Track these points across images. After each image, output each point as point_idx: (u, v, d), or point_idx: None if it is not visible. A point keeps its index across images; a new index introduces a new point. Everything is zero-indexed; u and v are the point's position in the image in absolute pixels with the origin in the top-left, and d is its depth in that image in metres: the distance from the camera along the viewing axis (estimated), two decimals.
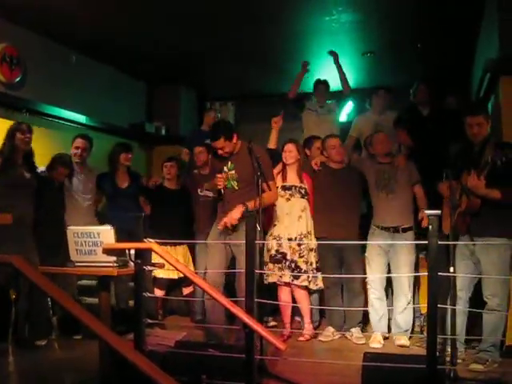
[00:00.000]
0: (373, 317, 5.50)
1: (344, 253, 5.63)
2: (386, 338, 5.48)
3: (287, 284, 5.64)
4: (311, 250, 5.65)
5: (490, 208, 4.43)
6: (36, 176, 5.46)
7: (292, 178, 5.78)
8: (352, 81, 8.69)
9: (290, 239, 5.60)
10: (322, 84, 7.37)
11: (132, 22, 6.64)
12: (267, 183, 4.95)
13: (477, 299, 4.68)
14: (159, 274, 5.98)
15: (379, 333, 5.40)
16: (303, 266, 5.56)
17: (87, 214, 6.10)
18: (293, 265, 5.55)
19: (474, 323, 4.77)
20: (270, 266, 5.60)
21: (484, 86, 5.80)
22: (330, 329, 5.68)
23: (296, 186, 5.73)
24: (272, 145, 6.32)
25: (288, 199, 5.72)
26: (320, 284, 5.65)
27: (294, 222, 5.66)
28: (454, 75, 7.92)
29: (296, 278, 5.55)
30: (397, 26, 6.66)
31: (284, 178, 5.78)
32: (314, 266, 5.63)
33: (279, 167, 5.86)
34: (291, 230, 5.63)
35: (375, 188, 5.58)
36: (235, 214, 4.85)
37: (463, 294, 4.58)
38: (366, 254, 5.55)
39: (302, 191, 5.75)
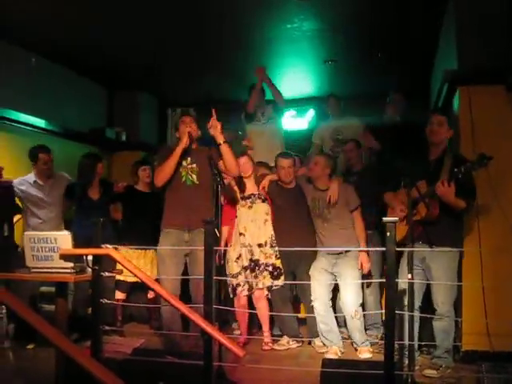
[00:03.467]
0: (321, 333, 5.46)
1: (297, 266, 5.66)
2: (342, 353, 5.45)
3: (259, 292, 5.62)
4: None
5: (445, 217, 4.53)
6: None
7: (250, 189, 5.79)
8: (313, 89, 8.80)
9: (260, 245, 5.60)
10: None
11: (93, 27, 6.56)
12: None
13: (422, 307, 4.76)
14: (122, 277, 5.85)
15: (335, 346, 5.35)
16: (281, 266, 5.60)
17: (51, 225, 6.01)
18: (270, 268, 5.55)
19: (422, 330, 4.82)
20: (249, 276, 5.57)
21: (442, 96, 5.89)
22: (285, 338, 5.65)
23: (255, 194, 5.76)
24: None
25: (250, 207, 5.72)
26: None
27: (260, 226, 5.66)
28: (413, 85, 8.02)
29: (276, 279, 5.56)
30: (358, 35, 6.73)
31: (242, 191, 5.78)
32: None
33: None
34: (260, 236, 5.64)
35: (312, 214, 5.59)
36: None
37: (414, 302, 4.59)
38: (310, 273, 5.52)
39: (262, 197, 5.76)
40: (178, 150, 4.90)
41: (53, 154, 6.12)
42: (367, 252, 5.41)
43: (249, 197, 5.75)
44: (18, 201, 6.09)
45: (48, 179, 6.11)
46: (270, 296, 5.68)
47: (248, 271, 5.60)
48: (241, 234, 5.69)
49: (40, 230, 5.75)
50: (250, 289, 5.63)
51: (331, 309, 5.49)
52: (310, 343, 5.65)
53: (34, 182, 6.04)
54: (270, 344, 5.61)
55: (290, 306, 5.80)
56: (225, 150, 4.90)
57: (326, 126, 7.32)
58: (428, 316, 4.64)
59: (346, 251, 5.35)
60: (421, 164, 4.79)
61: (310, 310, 5.56)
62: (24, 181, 6.05)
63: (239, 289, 5.63)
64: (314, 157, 5.80)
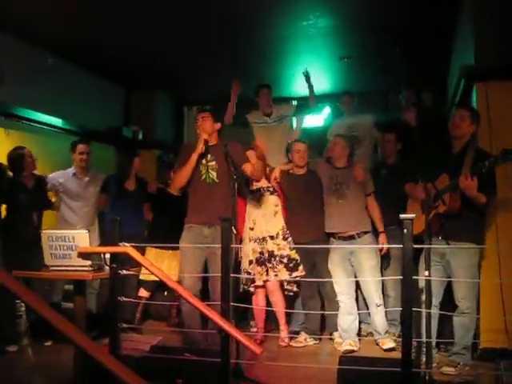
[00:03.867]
0: (342, 324, 5.46)
1: (315, 257, 5.65)
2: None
3: (273, 284, 5.61)
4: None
5: (467, 212, 4.49)
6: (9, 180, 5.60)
7: (258, 182, 5.78)
8: (329, 86, 8.78)
9: (271, 237, 5.61)
10: (265, 88, 6.93)
11: (109, 27, 6.60)
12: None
13: (442, 303, 4.72)
14: (145, 276, 5.95)
15: (350, 339, 5.36)
16: (297, 257, 5.60)
17: (85, 220, 6.16)
18: (285, 259, 5.56)
19: (441, 327, 4.79)
20: (258, 269, 5.58)
21: (459, 92, 5.86)
22: (303, 335, 5.66)
23: (263, 187, 5.77)
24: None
25: (259, 199, 5.74)
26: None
27: (270, 219, 5.69)
28: (430, 80, 7.98)
29: (293, 271, 5.56)
30: (374, 32, 6.68)
31: (251, 185, 5.80)
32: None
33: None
34: (270, 228, 5.65)
35: (327, 192, 5.60)
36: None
37: (433, 299, 4.47)
38: (329, 266, 5.53)
39: (271, 189, 5.78)
40: (194, 157, 4.94)
41: (90, 148, 6.32)
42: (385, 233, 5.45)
43: (258, 190, 5.77)
44: (52, 195, 6.24)
45: (86, 173, 6.28)
46: (295, 289, 5.71)
47: (254, 264, 5.61)
48: (251, 228, 5.72)
49: (73, 223, 6.02)
50: (254, 281, 5.63)
51: (355, 301, 5.50)
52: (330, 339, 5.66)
53: (73, 174, 6.22)
54: (287, 340, 5.60)
55: (318, 299, 5.78)
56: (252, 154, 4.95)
57: (341, 123, 7.31)
58: (448, 313, 4.61)
59: (359, 236, 5.38)
60: (442, 158, 4.77)
61: (331, 303, 5.56)
62: (63, 174, 6.24)
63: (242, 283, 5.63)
64: (333, 139, 5.86)
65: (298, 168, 5.85)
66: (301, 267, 5.58)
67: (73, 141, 6.38)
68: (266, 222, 5.67)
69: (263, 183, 5.79)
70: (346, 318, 5.42)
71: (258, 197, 5.75)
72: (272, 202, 5.75)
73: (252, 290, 5.66)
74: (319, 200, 5.67)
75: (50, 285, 5.88)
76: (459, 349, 4.62)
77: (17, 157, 5.73)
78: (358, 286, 5.61)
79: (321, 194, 5.68)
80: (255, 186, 5.78)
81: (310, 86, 7.13)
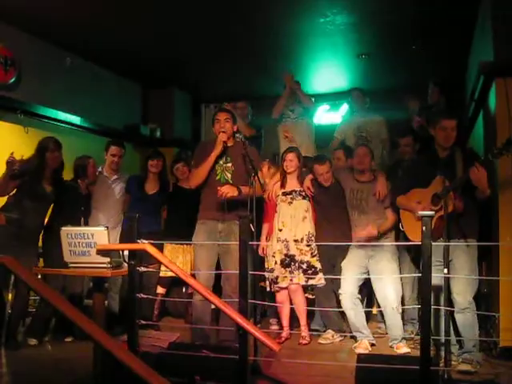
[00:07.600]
0: (352, 325, 5.41)
1: (335, 260, 5.62)
2: (372, 345, 5.37)
3: (296, 286, 5.62)
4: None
5: (468, 210, 4.50)
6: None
7: (292, 184, 5.79)
8: (347, 83, 8.76)
9: (296, 241, 5.61)
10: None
11: (127, 25, 6.63)
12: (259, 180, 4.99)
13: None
14: (162, 273, 5.93)
15: (366, 340, 5.34)
16: (318, 265, 5.59)
17: (113, 217, 6.13)
18: (304, 265, 5.56)
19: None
20: (282, 270, 5.59)
21: (478, 88, 5.81)
22: (330, 331, 5.65)
23: (296, 190, 5.76)
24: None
25: (290, 202, 5.73)
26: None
27: (298, 223, 5.67)
28: (448, 77, 7.93)
29: (310, 278, 5.55)
30: (392, 28, 6.67)
31: (282, 186, 5.80)
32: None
33: (277, 177, 5.93)
34: (297, 232, 5.64)
35: (349, 205, 5.54)
36: (232, 191, 4.84)
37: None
38: (342, 265, 5.45)
39: (303, 193, 5.76)
40: (212, 158, 4.96)
41: (124, 149, 6.29)
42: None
43: (290, 193, 5.76)
44: None
45: (114, 173, 6.23)
46: (310, 296, 5.80)
47: (278, 265, 5.61)
48: (279, 229, 5.71)
49: (100, 220, 5.98)
50: (279, 283, 5.62)
51: (359, 301, 5.42)
52: (352, 337, 5.64)
53: (99, 172, 6.19)
54: (308, 338, 5.59)
55: (334, 300, 5.74)
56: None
57: (349, 123, 7.32)
58: (452, 310, 4.57)
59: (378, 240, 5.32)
60: (432, 162, 4.74)
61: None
62: None
63: (274, 284, 5.66)
64: (357, 148, 5.72)
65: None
66: (318, 276, 5.57)
67: (108, 140, 6.36)
68: (293, 226, 5.66)
69: (296, 186, 5.79)
70: (351, 318, 5.39)
71: (289, 199, 5.76)
72: (302, 206, 5.73)
73: (277, 289, 5.69)
74: (345, 211, 5.60)
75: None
76: (471, 346, 4.55)
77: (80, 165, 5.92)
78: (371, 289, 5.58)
79: (345, 205, 5.61)
80: (288, 188, 5.79)
81: (299, 91, 7.27)
